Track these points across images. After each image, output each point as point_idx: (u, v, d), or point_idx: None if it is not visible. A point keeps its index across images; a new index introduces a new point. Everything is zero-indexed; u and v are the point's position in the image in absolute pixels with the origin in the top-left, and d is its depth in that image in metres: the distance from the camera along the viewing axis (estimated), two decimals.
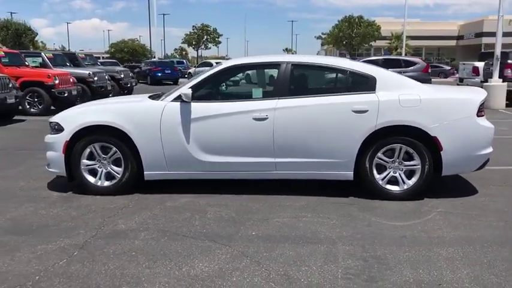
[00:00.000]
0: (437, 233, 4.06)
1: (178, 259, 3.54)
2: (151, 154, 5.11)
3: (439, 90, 5.43)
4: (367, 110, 4.87)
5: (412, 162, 4.96)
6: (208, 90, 5.28)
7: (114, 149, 5.17)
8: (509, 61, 14.84)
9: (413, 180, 4.98)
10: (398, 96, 4.89)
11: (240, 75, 5.57)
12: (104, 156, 5.23)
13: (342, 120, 4.92)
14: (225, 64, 5.30)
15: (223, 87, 5.52)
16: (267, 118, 4.96)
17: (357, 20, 44.15)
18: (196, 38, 50.23)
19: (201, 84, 5.18)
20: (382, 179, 5.01)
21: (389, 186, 5.03)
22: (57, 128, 5.27)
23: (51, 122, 5.43)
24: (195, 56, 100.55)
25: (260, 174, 5.17)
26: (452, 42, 69.01)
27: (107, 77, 17.09)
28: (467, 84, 17.75)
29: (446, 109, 4.90)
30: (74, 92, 14.21)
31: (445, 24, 69.67)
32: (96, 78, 16.06)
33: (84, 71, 16.13)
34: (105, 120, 5.13)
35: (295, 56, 5.49)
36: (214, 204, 4.88)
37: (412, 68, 17.70)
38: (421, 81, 17.71)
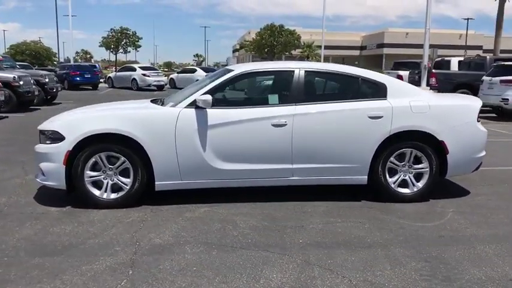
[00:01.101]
0: (468, 232, 4.30)
1: (247, 272, 3.41)
2: (165, 163, 4.85)
3: (443, 97, 5.76)
4: (382, 116, 5.04)
5: (420, 166, 5.21)
6: (223, 97, 5.13)
7: (123, 158, 4.84)
8: (433, 70, 16.09)
9: (422, 182, 5.23)
10: (409, 103, 5.12)
11: (253, 81, 5.47)
12: (110, 166, 4.87)
13: (359, 126, 5.04)
14: (238, 70, 5.19)
15: (238, 93, 5.40)
16: (286, 124, 4.94)
17: (278, 28, 45.24)
18: (115, 42, 48.21)
19: (214, 90, 5.03)
20: (394, 182, 5.21)
21: (400, 189, 5.23)
22: (55, 137, 4.81)
23: (45, 131, 4.94)
24: (98, 59, 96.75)
25: (277, 181, 5.12)
26: (356, 52, 73.38)
27: (32, 81, 15.82)
28: None
29: (452, 115, 5.22)
30: (1, 98, 13.01)
31: (349, 35, 73.90)
32: (22, 83, 14.81)
33: (8, 75, 14.79)
34: (115, 128, 4.78)
35: (306, 63, 5.52)
36: (236, 213, 4.75)
37: None
38: None
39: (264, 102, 5.16)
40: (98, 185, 4.91)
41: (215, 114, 4.89)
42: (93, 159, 4.82)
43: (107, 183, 4.91)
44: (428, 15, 14.75)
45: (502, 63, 14.51)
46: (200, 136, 4.87)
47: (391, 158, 5.15)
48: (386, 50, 66.18)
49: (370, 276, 3.34)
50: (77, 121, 4.93)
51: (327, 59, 58.29)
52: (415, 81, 16.87)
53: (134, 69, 27.54)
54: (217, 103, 4.97)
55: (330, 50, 59.74)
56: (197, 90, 5.10)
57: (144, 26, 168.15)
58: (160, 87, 27.56)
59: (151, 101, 5.56)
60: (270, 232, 4.23)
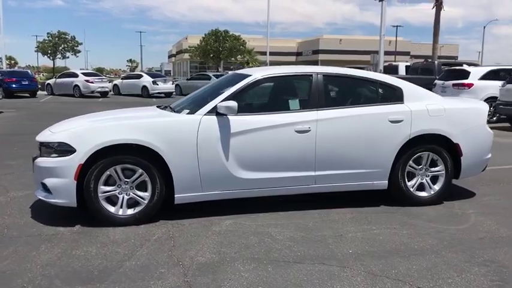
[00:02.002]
0: (504, 233, 4.35)
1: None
2: (185, 174, 4.54)
3: (454, 100, 5.85)
4: (402, 120, 5.02)
5: (436, 169, 5.25)
6: (243, 103, 4.88)
7: (140, 171, 4.46)
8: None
9: (438, 185, 5.27)
10: (426, 106, 5.15)
11: (271, 86, 5.24)
12: (126, 180, 4.48)
13: (380, 131, 4.99)
14: (257, 74, 4.97)
15: (257, 99, 5.16)
16: (310, 130, 4.79)
17: (223, 34, 44.95)
18: (52, 46, 45.54)
19: (234, 96, 4.77)
20: (412, 186, 5.20)
21: (418, 193, 5.23)
22: (64, 150, 4.35)
23: (49, 143, 4.47)
24: (22, 65, 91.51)
25: (299, 189, 4.95)
26: (293, 58, 74.78)
27: None
28: None
29: (465, 117, 5.31)
30: None
31: (285, 41, 75.16)
32: None
33: None
34: (134, 138, 4.40)
35: (323, 67, 5.38)
36: (266, 225, 4.53)
37: None
38: None
39: (284, 107, 4.97)
40: (111, 200, 4.50)
41: (237, 121, 4.65)
42: (107, 173, 4.40)
43: (122, 198, 4.51)
44: (382, 22, 15.21)
45: (453, 67, 15.22)
46: (222, 144, 4.61)
47: (410, 162, 5.15)
48: (321, 56, 68.03)
49: (444, 285, 3.25)
50: (89, 131, 4.48)
51: (265, 66, 58.94)
52: None
53: (76, 75, 26.17)
54: (237, 109, 4.72)
55: (267, 55, 60.42)
56: (214, 97, 4.82)
57: (73, 31, 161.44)
58: (104, 94, 26.44)
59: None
60: (313, 243, 4.05)
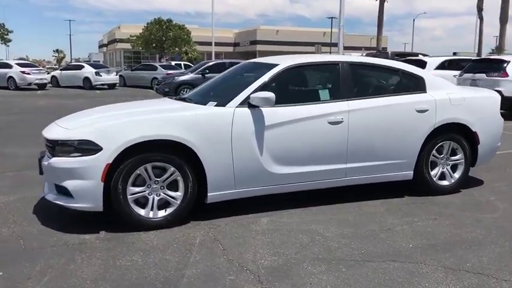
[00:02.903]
0: None
1: (406, 287, 3.06)
2: (219, 171, 4.22)
3: (469, 89, 5.88)
4: (428, 110, 4.98)
5: (456, 157, 5.27)
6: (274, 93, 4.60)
7: (172, 169, 4.09)
8: None
9: (458, 173, 5.30)
10: (447, 95, 5.14)
11: (299, 75, 4.97)
12: (156, 179, 4.09)
13: (408, 120, 4.92)
14: (285, 63, 4.70)
15: (286, 90, 4.88)
16: (342, 121, 4.62)
17: (167, 23, 43.48)
18: None
19: (263, 86, 4.49)
20: (435, 176, 5.19)
21: (440, 182, 5.23)
22: (88, 148, 3.88)
23: (67, 141, 3.97)
24: None
25: (330, 182, 4.77)
26: (230, 49, 74.51)
27: None
28: None
29: (482, 106, 5.36)
30: None
31: (222, 31, 74.50)
32: None
33: None
34: (168, 134, 4.02)
35: (348, 56, 5.20)
36: (306, 222, 4.32)
37: None
38: None
39: (315, 98, 4.77)
40: (139, 202, 4.09)
41: (270, 113, 4.38)
42: (137, 172, 3.99)
43: (153, 199, 4.11)
44: (341, 14, 15.33)
45: (409, 58, 15.66)
46: (257, 138, 4.33)
47: (433, 151, 5.13)
48: (259, 47, 68.31)
49: None
50: (116, 127, 4.02)
51: (202, 56, 58.13)
52: None
53: (10, 66, 24.23)
54: None
55: (205, 46, 59.72)
56: (242, 87, 4.52)
57: None
58: (42, 86, 24.76)
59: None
60: (367, 239, 3.89)
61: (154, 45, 43.89)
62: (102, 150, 3.86)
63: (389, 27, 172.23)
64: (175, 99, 5.04)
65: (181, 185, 4.15)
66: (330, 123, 4.57)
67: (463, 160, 5.28)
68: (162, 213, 4.14)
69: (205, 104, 4.50)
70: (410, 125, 4.92)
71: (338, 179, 4.77)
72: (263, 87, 4.46)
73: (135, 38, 44.89)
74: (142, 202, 4.10)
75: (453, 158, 5.26)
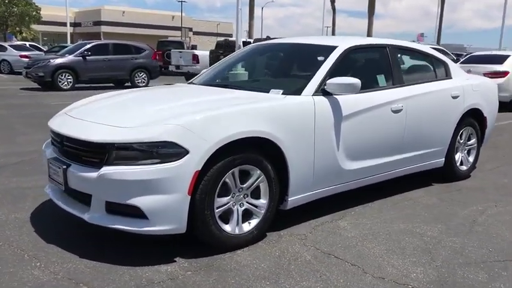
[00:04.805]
0: None
1: None
2: (301, 171, 3.59)
3: (475, 76, 5.94)
4: (459, 96, 4.95)
5: (471, 142, 5.37)
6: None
7: (258, 172, 3.34)
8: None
9: (471, 158, 5.41)
10: (469, 82, 5.17)
11: (356, 59, 4.40)
12: (241, 186, 3.31)
13: (446, 107, 4.83)
14: (343, 45, 4.15)
15: (346, 74, 4.29)
16: (402, 109, 4.32)
17: None
18: None
19: (332, 72, 3.93)
20: (457, 161, 5.22)
21: (460, 167, 5.27)
22: (167, 153, 2.95)
23: (131, 143, 2.97)
24: None
25: (385, 175, 4.43)
26: (68, 29, 68.19)
27: None
28: (188, 72, 18.66)
29: (489, 91, 5.52)
30: None
31: (57, 9, 67.76)
32: None
33: None
34: (259, 129, 3.25)
35: (392, 40, 4.79)
36: (384, 220, 3.95)
37: (142, 54, 17.05)
38: (151, 69, 18.12)
39: (375, 84, 4.34)
40: (221, 216, 3.27)
41: (345, 102, 3.86)
42: (224, 180, 3.17)
43: (237, 211, 3.32)
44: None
45: None
46: (335, 130, 3.79)
47: (458, 137, 5.13)
48: (104, 28, 64.03)
49: None
50: (201, 122, 3.09)
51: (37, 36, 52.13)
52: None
53: None
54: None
55: (42, 25, 53.67)
56: (309, 73, 3.92)
57: None
58: None
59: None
60: (469, 235, 3.67)
61: None
62: (189, 153, 2.95)
63: (224, 13, 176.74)
64: (207, 87, 4.17)
65: (265, 190, 3.42)
66: (393, 111, 4.23)
67: (476, 145, 5.40)
68: (247, 227, 3.37)
69: (267, 92, 3.78)
70: (447, 112, 4.83)
71: (392, 171, 4.46)
72: (332, 73, 3.90)
73: None
74: (223, 216, 3.28)
75: (469, 143, 5.34)
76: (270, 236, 3.53)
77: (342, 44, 4.19)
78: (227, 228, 3.24)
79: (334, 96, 3.79)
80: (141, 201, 2.92)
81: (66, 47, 19.99)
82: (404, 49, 4.84)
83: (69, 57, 15.79)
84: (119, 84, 17.11)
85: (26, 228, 3.60)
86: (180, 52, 19.58)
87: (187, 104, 3.50)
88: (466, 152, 5.33)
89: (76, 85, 15.55)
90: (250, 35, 26.50)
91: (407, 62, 4.99)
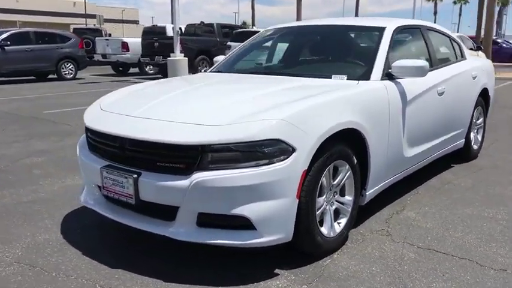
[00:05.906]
0: None
1: None
2: (378, 162, 3.35)
3: (474, 56, 5.97)
4: (477, 76, 4.98)
5: (479, 121, 5.45)
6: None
7: (347, 167, 3.05)
8: (180, 37, 15.68)
9: (479, 137, 5.50)
10: (479, 62, 5.23)
11: (400, 40, 4.13)
12: (332, 183, 3.00)
13: (470, 87, 4.83)
14: (391, 26, 3.91)
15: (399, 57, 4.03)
16: (444, 92, 4.23)
17: None
18: None
19: (388, 54, 3.71)
20: (472, 140, 5.27)
21: (474, 147, 5.33)
22: (273, 152, 2.55)
23: (228, 144, 2.52)
24: None
25: (427, 160, 4.30)
26: None
27: None
28: (118, 61, 17.57)
29: (490, 71, 5.62)
30: None
31: None
32: None
33: None
34: (351, 120, 2.95)
35: (420, 20, 4.61)
36: (450, 207, 3.84)
37: (68, 43, 15.68)
38: (79, 59, 17.32)
39: None
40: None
41: (407, 86, 3.67)
42: (322, 178, 2.84)
43: (328, 211, 3.01)
44: None
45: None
46: (402, 116, 3.59)
47: (472, 117, 5.17)
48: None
49: None
50: (301, 114, 2.70)
51: None
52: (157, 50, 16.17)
53: None
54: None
55: None
56: (367, 57, 3.67)
57: None
58: None
59: None
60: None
61: None
62: (296, 151, 2.58)
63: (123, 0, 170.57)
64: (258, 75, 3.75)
65: (350, 186, 3.13)
66: (438, 94, 4.11)
67: (483, 124, 5.49)
68: (338, 228, 3.06)
69: (329, 78, 3.47)
70: (470, 92, 4.84)
71: (432, 155, 4.35)
72: (387, 55, 3.67)
73: None
74: (322, 217, 2.95)
75: (477, 122, 5.42)
76: (350, 235, 3.25)
77: (390, 24, 3.96)
78: (324, 231, 2.92)
79: (397, 80, 3.57)
80: (249, 210, 2.50)
81: None
82: (432, 30, 4.73)
83: None
84: (42, 76, 15.64)
85: (69, 250, 3.00)
86: (107, 40, 18.30)
87: (262, 95, 3.07)
88: (475, 131, 5.39)
89: None
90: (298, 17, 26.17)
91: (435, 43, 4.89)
